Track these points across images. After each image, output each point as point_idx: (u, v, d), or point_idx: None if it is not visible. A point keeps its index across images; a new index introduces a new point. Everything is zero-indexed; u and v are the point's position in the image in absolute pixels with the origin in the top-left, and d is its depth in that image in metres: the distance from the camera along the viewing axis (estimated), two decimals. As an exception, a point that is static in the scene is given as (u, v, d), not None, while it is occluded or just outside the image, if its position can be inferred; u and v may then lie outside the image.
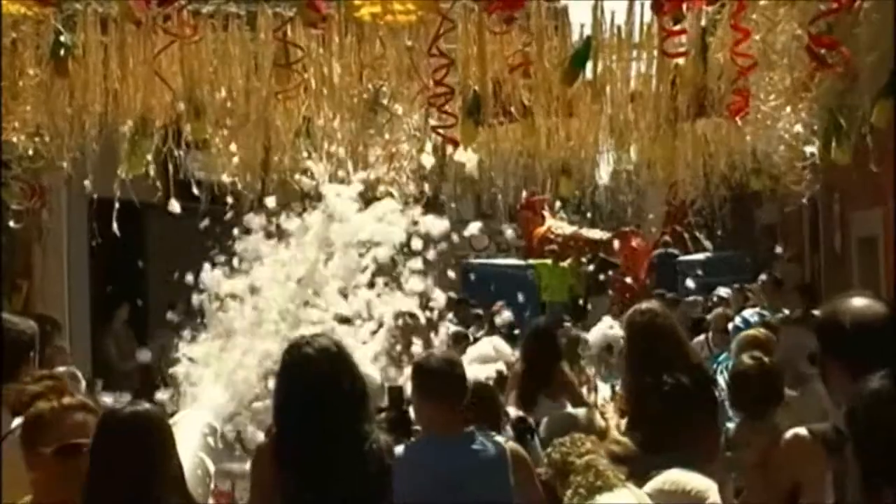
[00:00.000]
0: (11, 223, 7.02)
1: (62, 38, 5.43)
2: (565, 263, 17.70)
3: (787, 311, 7.55)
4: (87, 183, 6.65)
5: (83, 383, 5.78)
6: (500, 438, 3.97)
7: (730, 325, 7.00)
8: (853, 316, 2.44)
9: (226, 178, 6.49)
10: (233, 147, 6.33)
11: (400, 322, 5.80)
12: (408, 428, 4.60)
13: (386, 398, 5.02)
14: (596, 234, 20.77)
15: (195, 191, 6.84)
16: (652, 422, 3.86)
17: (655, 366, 4.30)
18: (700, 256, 17.33)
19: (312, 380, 3.36)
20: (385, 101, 5.21)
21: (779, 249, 14.83)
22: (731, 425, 4.33)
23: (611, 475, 3.66)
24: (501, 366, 6.25)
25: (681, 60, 5.75)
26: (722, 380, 5.88)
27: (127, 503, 2.83)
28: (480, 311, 13.40)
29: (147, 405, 3.07)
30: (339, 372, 3.39)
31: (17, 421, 3.64)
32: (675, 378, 4.22)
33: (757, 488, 3.46)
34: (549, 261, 17.54)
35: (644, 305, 4.73)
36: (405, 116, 5.24)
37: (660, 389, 4.09)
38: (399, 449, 3.86)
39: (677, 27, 5.16)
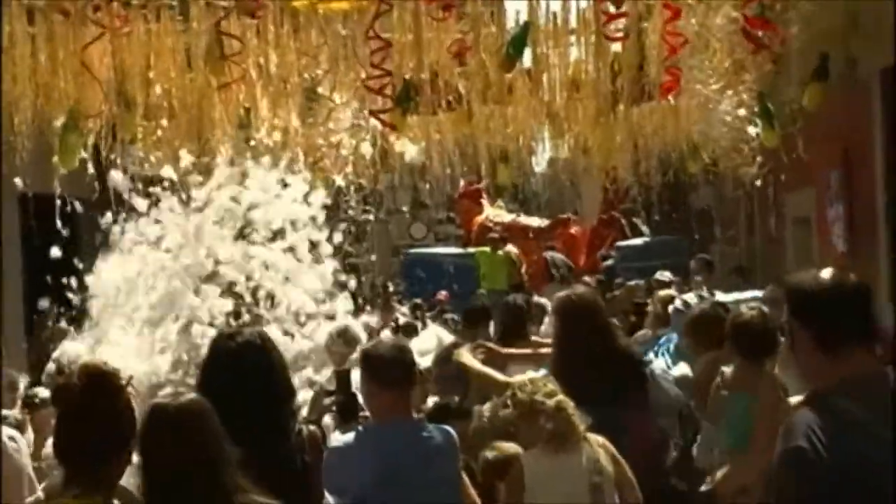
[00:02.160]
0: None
1: (-7, 29, 5.29)
2: (505, 251, 17.75)
3: (720, 293, 7.64)
4: (17, 180, 6.51)
5: (21, 389, 5.67)
6: (447, 426, 3.97)
7: (670, 308, 7.08)
8: (824, 286, 2.48)
9: (160, 172, 6.39)
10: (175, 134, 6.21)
11: (333, 346, 5.79)
12: (356, 413, 4.58)
13: (334, 382, 4.98)
14: (534, 221, 20.86)
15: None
16: (578, 382, 3.90)
17: (581, 348, 4.37)
18: (638, 241, 17.48)
19: (235, 372, 3.32)
20: (322, 91, 5.16)
21: (716, 232, 15.03)
22: (726, 369, 4.41)
23: (578, 423, 3.69)
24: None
25: (618, 46, 5.79)
26: (665, 360, 5.95)
27: (198, 496, 2.76)
28: (420, 301, 13.40)
29: (192, 395, 3.01)
30: (265, 366, 3.35)
31: None
32: (600, 361, 4.30)
33: (768, 428, 3.49)
34: (487, 249, 17.56)
35: (569, 291, 4.79)
36: (343, 105, 5.20)
37: (585, 373, 4.15)
38: (348, 435, 3.83)
39: (615, 11, 5.19)
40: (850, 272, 2.61)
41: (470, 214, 20.93)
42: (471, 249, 18.55)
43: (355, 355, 5.06)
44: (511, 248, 17.51)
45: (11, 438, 3.74)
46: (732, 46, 4.95)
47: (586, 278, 13.32)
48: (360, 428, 3.94)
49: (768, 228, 10.32)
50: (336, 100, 5.13)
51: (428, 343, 7.65)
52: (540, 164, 8.64)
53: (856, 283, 2.49)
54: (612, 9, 5.22)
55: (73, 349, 6.21)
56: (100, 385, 2.87)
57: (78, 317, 6.41)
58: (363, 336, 5.89)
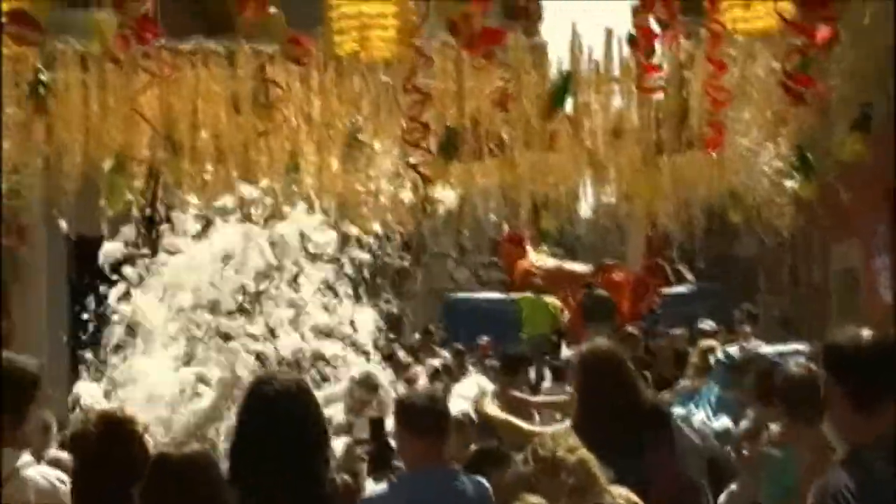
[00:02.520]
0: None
1: (42, 77, 5.43)
2: (549, 298, 17.71)
3: (764, 345, 7.57)
4: (62, 223, 6.66)
5: (53, 431, 5.75)
6: (480, 477, 3.96)
7: (711, 359, 7.02)
8: (858, 344, 2.47)
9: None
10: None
11: (355, 392, 5.84)
12: (389, 461, 4.59)
13: (367, 430, 5.01)
14: (578, 267, 20.83)
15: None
16: (600, 456, 3.87)
17: (604, 402, 4.34)
18: (682, 289, 17.39)
19: (270, 418, 3.33)
20: (362, 137, 5.23)
21: (760, 282, 14.90)
22: (774, 427, 4.36)
23: (600, 476, 3.65)
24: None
25: (659, 95, 5.81)
26: (706, 411, 5.90)
27: None
28: (461, 346, 13.38)
29: (195, 446, 3.05)
30: (299, 413, 3.37)
31: (24, 458, 3.63)
32: (624, 414, 4.27)
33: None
34: (531, 294, 17.54)
35: (593, 343, 4.78)
36: (384, 153, 5.26)
37: (608, 426, 4.11)
38: (381, 485, 3.84)
39: (652, 62, 5.22)
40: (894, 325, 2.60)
41: (513, 259, 20.95)
42: (514, 295, 18.54)
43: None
44: (551, 300, 17.46)
45: (61, 481, 3.73)
46: (772, 98, 4.95)
47: (629, 327, 13.24)
48: (393, 477, 3.94)
49: (812, 279, 10.22)
50: (376, 147, 5.19)
51: (469, 391, 7.65)
52: (585, 209, 8.65)
53: (892, 341, 2.47)
54: (647, 60, 5.23)
55: (87, 391, 6.27)
56: (116, 433, 2.92)
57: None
58: (385, 383, 5.92)
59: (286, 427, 3.32)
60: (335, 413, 6.17)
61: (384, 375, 6.02)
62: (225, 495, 2.96)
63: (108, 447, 2.95)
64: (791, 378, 4.26)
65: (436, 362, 11.48)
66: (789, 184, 5.47)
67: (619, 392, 4.39)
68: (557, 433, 3.97)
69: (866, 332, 2.49)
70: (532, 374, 7.09)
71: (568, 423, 4.38)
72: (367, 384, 5.77)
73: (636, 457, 4.03)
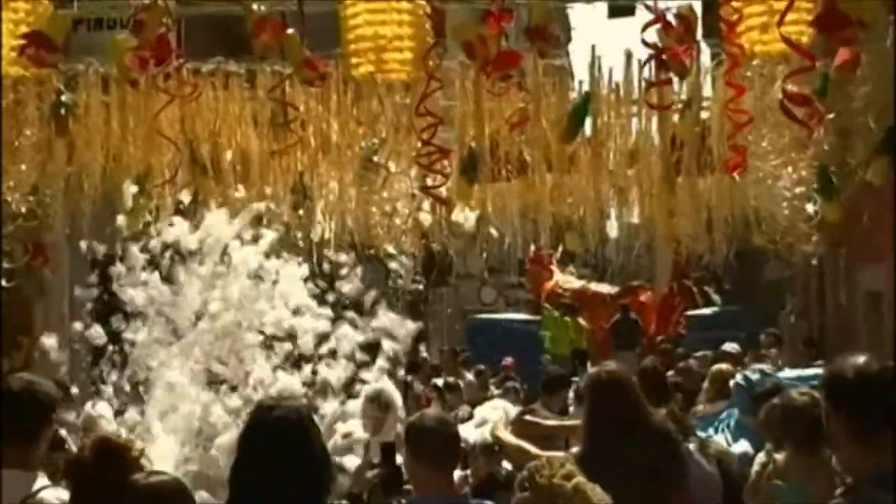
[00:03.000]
0: (3, 282, 7.04)
1: (63, 98, 5.48)
2: (571, 318, 17.64)
3: (788, 369, 7.48)
4: (83, 244, 6.71)
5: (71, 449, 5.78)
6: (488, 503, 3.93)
7: (731, 383, 6.96)
8: (857, 372, 2.43)
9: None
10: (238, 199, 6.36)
11: (368, 410, 5.85)
12: (399, 486, 4.56)
13: (378, 454, 4.99)
14: (604, 288, 20.76)
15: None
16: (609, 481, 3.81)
17: (612, 427, 4.29)
18: (708, 311, 17.26)
19: (274, 446, 3.32)
20: (379, 159, 5.23)
21: (787, 304, 14.77)
22: (778, 456, 4.30)
23: (596, 502, 3.60)
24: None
25: (674, 115, 5.78)
26: (725, 436, 5.83)
27: None
28: (482, 367, 13.35)
29: (165, 476, 3.05)
30: (302, 442, 3.35)
31: (41, 482, 3.63)
32: (633, 439, 4.22)
33: None
34: (556, 312, 17.49)
35: (603, 366, 4.74)
36: (401, 174, 5.26)
37: (617, 452, 4.05)
38: None
39: (668, 80, 5.21)
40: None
41: (539, 280, 20.91)
42: (538, 316, 18.49)
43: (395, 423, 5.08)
44: (574, 320, 17.39)
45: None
46: (792, 122, 4.90)
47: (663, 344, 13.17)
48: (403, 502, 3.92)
49: (839, 301, 10.11)
50: (392, 168, 5.19)
51: (493, 414, 7.62)
52: (613, 230, 8.63)
53: (891, 370, 2.42)
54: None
55: (99, 411, 6.29)
56: (110, 458, 2.91)
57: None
58: (398, 400, 5.91)
59: (287, 453, 3.31)
60: (355, 429, 6.16)
61: (395, 392, 6.02)
62: None
63: (102, 472, 2.94)
64: (791, 407, 4.19)
65: (439, 382, 11.47)
66: (810, 207, 5.40)
67: (627, 415, 4.35)
68: (555, 459, 3.92)
69: (869, 361, 2.44)
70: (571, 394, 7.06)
71: (575, 449, 4.33)
72: (380, 401, 5.76)
73: (647, 482, 3.98)
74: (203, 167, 5.75)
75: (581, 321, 18.02)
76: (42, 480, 3.66)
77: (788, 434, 4.16)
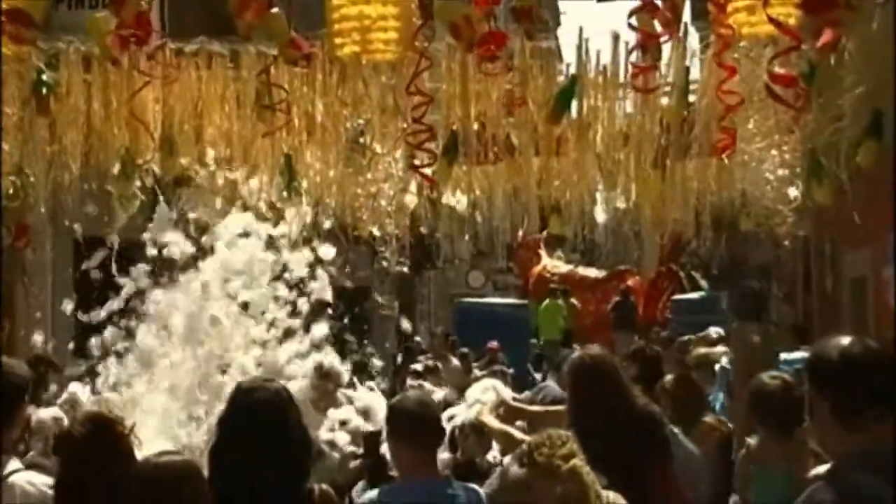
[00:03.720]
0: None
1: (44, 77, 5.42)
2: (559, 301, 17.66)
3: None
4: (77, 227, 6.65)
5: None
6: (474, 485, 3.92)
7: (717, 367, 6.95)
8: (840, 353, 2.41)
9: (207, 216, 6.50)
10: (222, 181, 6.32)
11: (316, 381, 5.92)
12: (385, 474, 4.54)
13: (362, 445, 4.98)
14: (592, 272, 20.76)
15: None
16: (594, 464, 3.81)
17: (596, 410, 4.28)
18: (694, 296, 17.27)
19: (253, 427, 3.29)
20: (365, 140, 5.19)
21: (773, 289, 14.79)
22: (751, 440, 4.30)
23: (593, 485, 3.60)
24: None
25: (665, 100, 5.75)
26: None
27: None
28: (466, 350, 13.36)
29: (180, 455, 3.02)
30: (278, 421, 3.32)
31: (12, 465, 3.58)
32: (617, 423, 4.21)
33: None
34: (546, 300, 17.53)
35: (588, 351, 4.72)
36: (386, 155, 5.22)
37: (601, 435, 4.04)
38: (372, 493, 3.80)
39: (653, 63, 5.18)
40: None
41: (527, 264, 20.89)
42: (525, 301, 18.48)
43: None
44: (562, 301, 17.41)
45: (49, 486, 3.68)
46: (778, 105, 4.87)
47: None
48: (385, 486, 3.90)
49: (825, 286, 10.12)
50: (377, 149, 5.15)
51: (484, 396, 7.62)
52: (601, 214, 8.61)
53: (875, 352, 2.40)
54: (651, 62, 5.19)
55: (80, 392, 6.28)
56: (101, 433, 2.88)
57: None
58: (343, 373, 6.04)
59: (267, 434, 3.29)
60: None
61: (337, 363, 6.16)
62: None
63: (92, 447, 2.91)
64: (762, 391, 4.19)
65: (418, 366, 11.49)
66: (794, 192, 5.39)
67: (610, 398, 4.34)
68: (554, 437, 3.91)
69: (852, 343, 2.42)
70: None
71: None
72: (319, 371, 5.90)
73: (632, 466, 3.96)
74: (170, 147, 5.68)
75: (575, 302, 18.06)
76: (14, 464, 3.61)
77: (760, 418, 4.16)
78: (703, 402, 5.61)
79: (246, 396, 3.39)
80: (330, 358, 6.44)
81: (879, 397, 2.37)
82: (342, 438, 5.76)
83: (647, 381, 6.46)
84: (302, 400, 6.02)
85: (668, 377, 5.87)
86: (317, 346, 6.49)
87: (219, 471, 3.24)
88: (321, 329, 6.56)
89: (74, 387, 6.64)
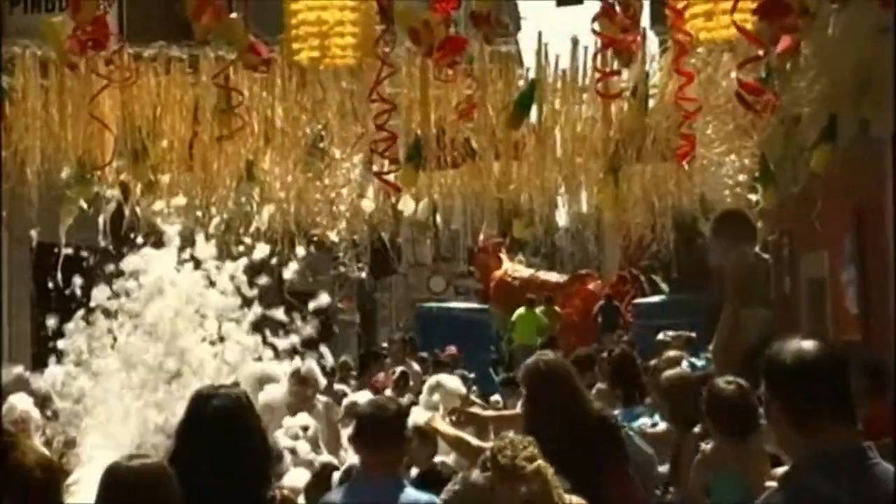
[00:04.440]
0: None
1: (3, 81, 5.36)
2: (539, 309, 17.68)
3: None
4: (33, 233, 6.57)
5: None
6: (431, 495, 3.96)
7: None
8: (794, 356, 2.42)
9: (167, 223, 6.44)
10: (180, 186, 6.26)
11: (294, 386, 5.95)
12: None
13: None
14: (553, 276, 20.84)
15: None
16: (550, 448, 3.84)
17: (552, 415, 4.32)
18: (655, 299, 17.38)
19: (212, 432, 3.28)
20: (324, 145, 5.17)
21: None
22: (706, 445, 4.33)
23: (557, 486, 3.63)
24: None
25: (624, 105, 5.78)
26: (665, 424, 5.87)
27: None
28: (425, 354, 13.38)
29: (151, 458, 2.99)
30: (240, 430, 3.31)
31: None
32: (572, 428, 4.25)
33: None
34: (523, 309, 17.50)
35: (542, 357, 4.76)
36: (345, 161, 5.21)
37: (558, 440, 4.07)
38: (333, 493, 3.86)
39: (616, 69, 5.21)
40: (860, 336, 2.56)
41: (489, 269, 20.91)
42: (486, 305, 18.49)
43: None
44: (550, 308, 17.39)
45: None
46: (735, 109, 4.92)
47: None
48: (345, 485, 3.95)
49: (783, 289, 10.22)
50: (336, 154, 5.13)
51: (433, 397, 7.66)
52: (563, 218, 8.64)
53: (829, 354, 2.42)
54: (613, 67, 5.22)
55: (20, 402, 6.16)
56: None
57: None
58: (321, 378, 6.05)
59: (228, 441, 3.27)
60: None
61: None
62: None
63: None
64: (717, 395, 4.22)
65: (398, 370, 11.51)
66: (753, 196, 5.45)
67: (565, 403, 4.38)
68: (516, 441, 3.94)
69: (807, 345, 2.43)
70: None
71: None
72: (297, 376, 5.94)
73: (589, 470, 3.99)
74: (136, 154, 5.63)
75: (557, 309, 18.09)
76: None
77: (715, 422, 4.19)
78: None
79: (204, 403, 3.37)
80: (308, 363, 6.46)
81: (834, 399, 2.38)
82: (303, 447, 5.75)
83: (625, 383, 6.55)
84: (279, 405, 6.03)
85: (666, 374, 5.90)
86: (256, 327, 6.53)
87: (178, 477, 3.22)
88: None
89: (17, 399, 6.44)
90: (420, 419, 5.11)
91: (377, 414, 3.89)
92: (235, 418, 3.32)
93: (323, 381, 6.70)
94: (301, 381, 6.32)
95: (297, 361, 6.46)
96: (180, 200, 5.86)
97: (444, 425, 4.92)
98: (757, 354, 3.88)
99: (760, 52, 4.57)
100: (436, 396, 7.36)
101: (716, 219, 5.53)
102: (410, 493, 3.84)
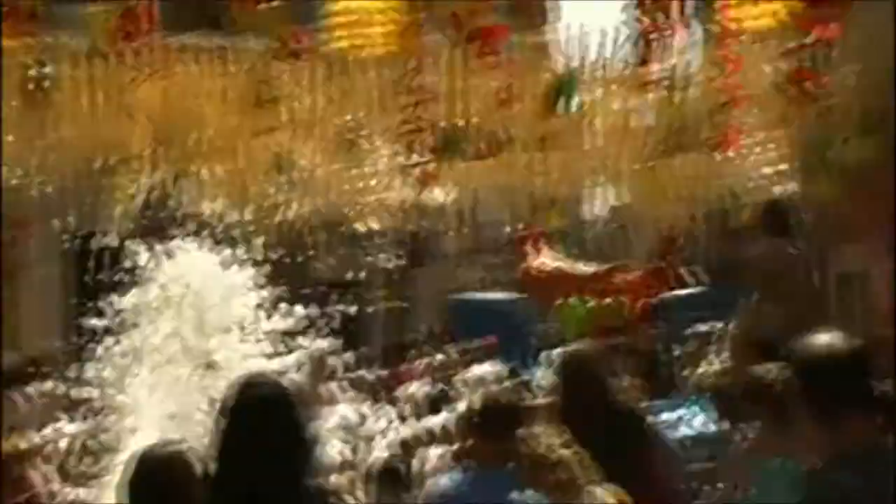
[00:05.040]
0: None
1: (39, 72, 5.41)
2: (591, 302, 17.49)
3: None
4: (70, 220, 6.62)
5: None
6: None
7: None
8: (825, 352, 2.39)
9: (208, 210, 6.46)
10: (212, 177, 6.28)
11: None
12: None
13: None
14: (585, 268, 20.69)
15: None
16: (579, 441, 3.85)
17: (585, 405, 4.32)
18: (686, 292, 17.22)
19: (251, 421, 3.27)
20: (356, 135, 5.18)
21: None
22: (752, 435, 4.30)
23: (583, 475, 3.65)
24: None
25: (660, 92, 5.74)
26: (702, 418, 5.83)
27: None
28: (461, 346, 13.34)
29: (180, 445, 3.02)
30: (281, 416, 3.30)
31: None
32: (603, 418, 4.25)
33: None
34: (571, 300, 17.31)
35: (577, 348, 4.76)
36: (377, 151, 5.21)
37: (590, 430, 4.08)
38: (447, 479, 4.00)
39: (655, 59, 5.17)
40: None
41: (525, 259, 20.81)
42: (522, 295, 18.41)
43: None
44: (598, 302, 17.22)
45: None
46: (775, 99, 4.87)
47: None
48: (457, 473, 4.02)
49: (812, 282, 10.09)
50: (369, 145, 5.13)
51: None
52: (597, 209, 8.59)
53: (853, 348, 2.37)
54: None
55: None
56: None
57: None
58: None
59: (267, 431, 3.26)
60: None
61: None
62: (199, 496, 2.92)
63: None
64: (761, 382, 4.17)
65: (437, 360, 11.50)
66: (790, 186, 5.39)
67: (596, 394, 4.38)
68: (546, 431, 3.97)
69: (837, 339, 2.39)
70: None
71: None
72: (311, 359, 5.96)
73: (617, 459, 3.99)
74: (169, 142, 5.66)
75: (609, 302, 17.85)
76: None
77: (759, 410, 4.16)
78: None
79: (245, 391, 3.35)
80: (322, 348, 6.44)
81: (859, 394, 2.34)
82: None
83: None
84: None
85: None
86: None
87: (219, 466, 3.22)
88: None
89: None
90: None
91: (502, 404, 3.92)
92: (276, 406, 3.31)
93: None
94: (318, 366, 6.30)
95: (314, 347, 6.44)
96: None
97: None
98: (775, 349, 3.88)
99: (806, 41, 4.51)
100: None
101: (756, 210, 5.47)
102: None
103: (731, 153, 5.32)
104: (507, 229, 11.65)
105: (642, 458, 4.32)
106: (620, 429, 4.32)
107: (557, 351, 4.92)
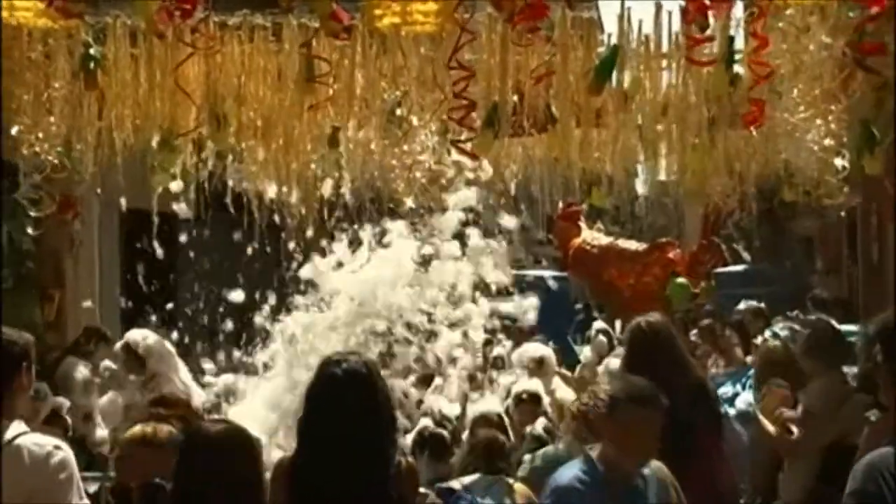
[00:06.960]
0: (30, 230, 7.11)
1: (91, 51, 5.49)
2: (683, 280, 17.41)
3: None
4: (122, 200, 6.73)
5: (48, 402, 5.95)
6: None
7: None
8: None
9: (266, 190, 6.54)
10: (261, 157, 6.36)
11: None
12: None
13: None
14: (632, 245, 20.56)
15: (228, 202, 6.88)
16: None
17: (652, 376, 4.24)
18: (737, 268, 17.10)
19: (339, 402, 3.32)
20: (402, 112, 5.20)
21: (817, 262, 14.64)
22: (871, 416, 4.26)
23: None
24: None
25: (709, 70, 5.69)
26: (747, 395, 5.82)
27: None
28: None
29: (232, 423, 3.10)
30: (368, 396, 3.34)
31: (17, 428, 3.60)
32: (670, 390, 4.18)
33: None
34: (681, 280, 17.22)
35: (646, 318, 4.69)
36: (423, 127, 5.23)
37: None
38: (574, 470, 3.91)
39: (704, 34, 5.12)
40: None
41: (567, 237, 20.67)
42: (565, 273, 18.35)
43: None
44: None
45: (58, 447, 3.64)
46: (823, 73, 4.82)
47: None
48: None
49: (870, 258, 9.99)
50: (414, 121, 5.16)
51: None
52: (642, 186, 8.58)
53: None
54: (699, 33, 5.13)
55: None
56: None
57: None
58: None
59: (354, 407, 3.31)
60: None
61: None
62: (260, 474, 2.98)
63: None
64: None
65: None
66: (839, 161, 5.33)
67: (665, 365, 4.31)
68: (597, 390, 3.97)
69: None
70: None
71: None
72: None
73: (681, 431, 3.94)
74: (217, 121, 5.72)
75: (683, 281, 17.74)
76: (19, 426, 3.61)
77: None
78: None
79: (333, 368, 3.41)
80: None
81: None
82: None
83: None
84: None
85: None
86: None
87: (307, 441, 3.29)
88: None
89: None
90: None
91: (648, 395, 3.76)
92: (362, 383, 3.36)
93: None
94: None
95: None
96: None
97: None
98: None
99: (851, 14, 4.45)
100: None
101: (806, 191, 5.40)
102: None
103: (780, 128, 5.25)
104: (553, 207, 11.64)
105: (710, 438, 4.24)
106: (694, 407, 4.23)
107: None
